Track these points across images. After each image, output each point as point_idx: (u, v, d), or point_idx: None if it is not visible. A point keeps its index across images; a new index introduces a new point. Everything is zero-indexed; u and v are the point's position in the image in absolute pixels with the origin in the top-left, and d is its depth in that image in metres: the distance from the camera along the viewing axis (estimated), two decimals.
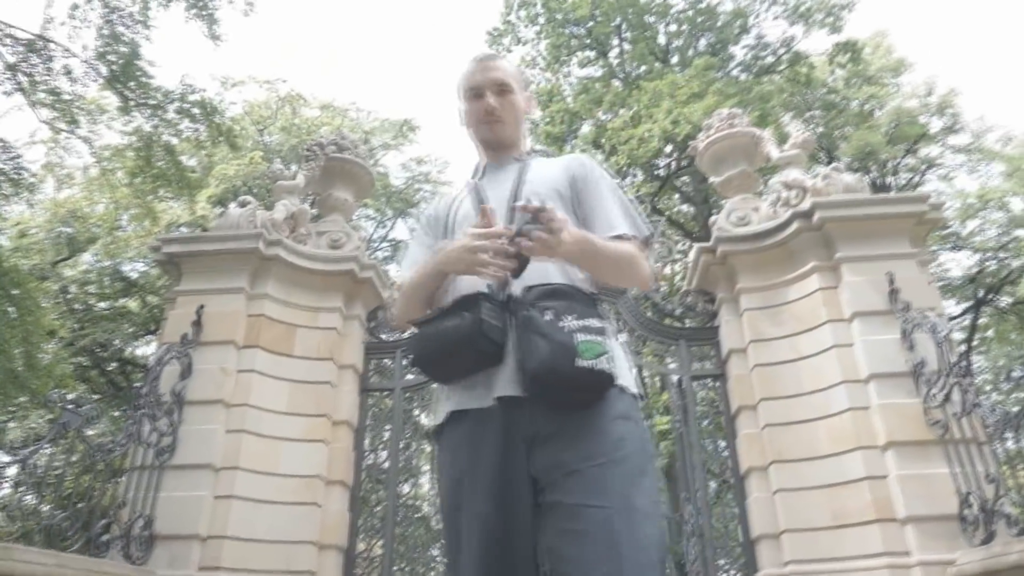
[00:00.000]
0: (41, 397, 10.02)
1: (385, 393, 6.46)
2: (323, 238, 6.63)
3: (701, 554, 5.64)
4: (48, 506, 5.14)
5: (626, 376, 1.62)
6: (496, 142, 1.97)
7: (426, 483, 7.02)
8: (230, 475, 5.32)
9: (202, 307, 5.75)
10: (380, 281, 6.57)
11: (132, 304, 16.66)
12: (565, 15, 17.45)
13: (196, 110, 9.87)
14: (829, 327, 5.52)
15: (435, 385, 1.83)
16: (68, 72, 9.31)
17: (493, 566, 1.48)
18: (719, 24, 17.17)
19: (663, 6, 17.39)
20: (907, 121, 18.01)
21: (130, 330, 16.42)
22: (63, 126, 9.79)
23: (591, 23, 17.48)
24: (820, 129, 17.52)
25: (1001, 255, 17.00)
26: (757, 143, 6.81)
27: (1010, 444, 4.58)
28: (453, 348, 1.58)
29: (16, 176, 9.02)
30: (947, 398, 4.71)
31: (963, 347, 16.39)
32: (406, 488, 6.33)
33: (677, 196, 18.93)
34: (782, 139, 8.48)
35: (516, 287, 1.65)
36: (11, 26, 8.78)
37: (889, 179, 18.46)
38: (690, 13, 17.37)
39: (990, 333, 18.97)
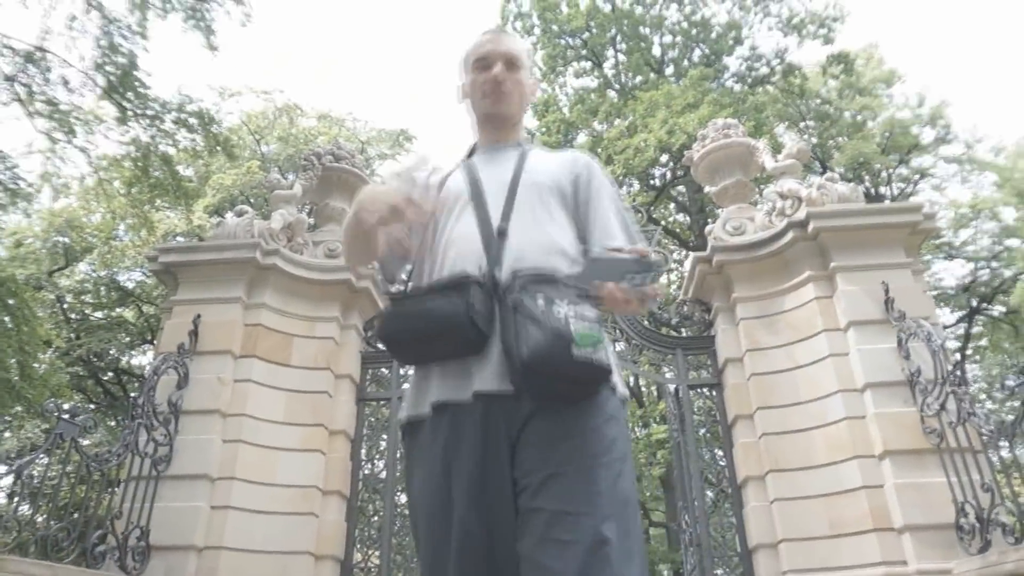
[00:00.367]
0: (37, 407, 9.99)
1: (382, 403, 6.45)
2: (320, 248, 6.64)
3: (699, 564, 5.64)
4: (43, 516, 5.11)
5: (617, 374, 1.52)
6: (498, 117, 1.85)
7: None
8: (226, 485, 5.30)
9: (199, 317, 5.75)
10: (377, 291, 6.58)
11: (128, 314, 16.61)
12: (560, 26, 17.58)
13: (193, 120, 9.88)
14: (825, 336, 5.55)
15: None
16: (66, 82, 9.31)
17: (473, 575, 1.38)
18: (713, 36, 17.32)
19: (657, 18, 17.53)
20: (900, 131, 18.17)
21: (126, 340, 16.38)
22: (60, 136, 9.78)
23: (586, 34, 17.61)
24: (814, 139, 17.66)
25: (994, 264, 17.11)
26: (752, 153, 6.86)
27: (1005, 453, 4.61)
28: (436, 332, 1.45)
29: (13, 186, 9.02)
30: (943, 407, 4.74)
31: (957, 356, 16.46)
32: (403, 498, 6.31)
33: (673, 205, 19.01)
34: (777, 149, 8.54)
35: (501, 271, 1.53)
36: (9, 37, 8.81)
37: (883, 189, 18.59)
38: (684, 25, 17.53)
39: (984, 342, 19.05)
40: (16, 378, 9.35)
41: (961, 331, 17.84)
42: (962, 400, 4.60)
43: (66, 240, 15.52)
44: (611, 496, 1.33)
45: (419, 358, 1.57)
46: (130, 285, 16.37)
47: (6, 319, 8.70)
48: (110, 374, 16.85)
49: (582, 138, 17.37)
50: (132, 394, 6.00)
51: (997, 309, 17.83)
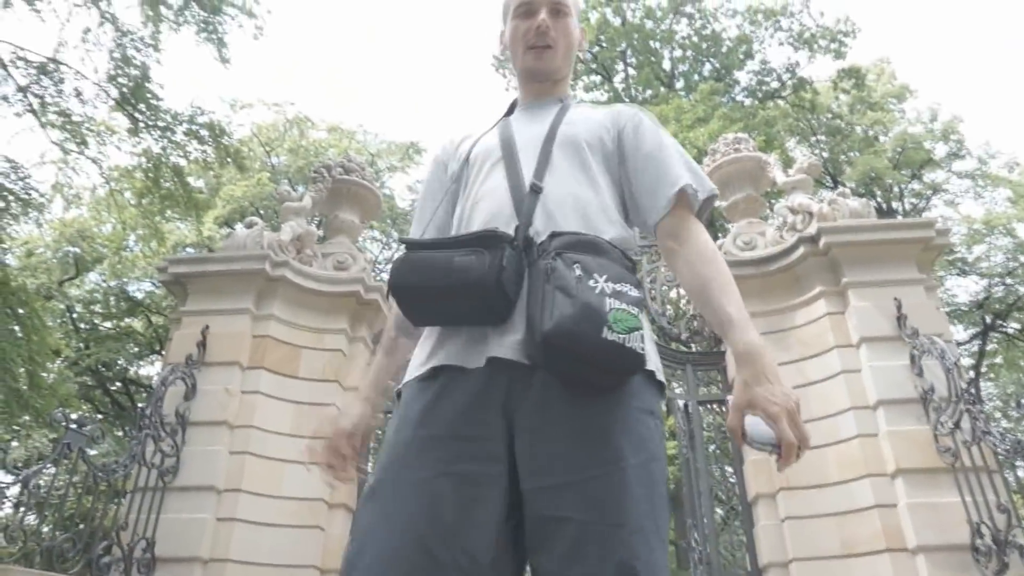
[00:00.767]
0: (45, 416, 10.02)
1: (389, 415, 6.40)
2: (329, 259, 6.64)
3: None
4: (49, 527, 5.10)
5: (655, 360, 1.32)
6: (542, 72, 1.68)
7: None
8: (232, 497, 5.28)
9: (207, 328, 5.75)
10: (386, 303, 6.57)
11: (137, 324, 16.70)
12: None
13: (204, 132, 9.97)
14: (836, 352, 5.49)
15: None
16: (79, 94, 9.42)
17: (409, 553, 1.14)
18: (723, 50, 17.35)
19: (668, 32, 17.59)
20: (912, 146, 18.10)
21: (135, 350, 16.45)
22: (73, 147, 9.88)
23: (597, 48, 17.67)
24: (825, 154, 17.61)
25: (1008, 281, 16.94)
26: (763, 167, 6.83)
27: (1021, 473, 4.53)
28: (458, 289, 1.25)
29: (25, 196, 9.10)
30: (957, 425, 4.66)
31: (971, 373, 16.29)
32: None
33: None
34: (787, 163, 8.51)
35: (534, 232, 1.35)
36: (23, 49, 8.91)
37: (895, 204, 18.50)
38: (694, 39, 17.58)
39: (999, 359, 18.84)
40: (25, 387, 9.39)
41: (975, 348, 17.66)
42: (977, 419, 4.53)
43: (77, 250, 15.64)
44: (644, 501, 1.17)
45: (431, 317, 1.36)
46: (139, 295, 16.47)
47: (16, 328, 8.75)
48: (118, 384, 16.92)
49: None
50: (140, 404, 6.00)
51: (1012, 326, 17.65)
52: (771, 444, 1.17)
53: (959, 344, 16.05)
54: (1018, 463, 4.34)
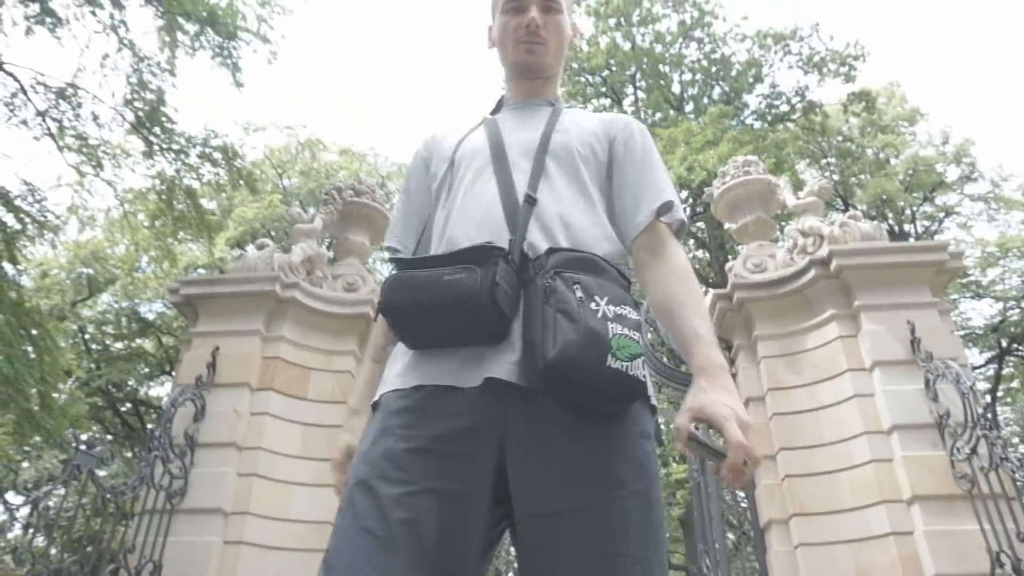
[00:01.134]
0: (56, 437, 10.05)
1: None
2: (339, 281, 6.66)
3: None
4: (57, 549, 5.09)
5: (650, 385, 1.28)
6: (532, 68, 1.61)
7: None
8: (240, 520, 5.25)
9: (217, 349, 5.76)
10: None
11: (148, 345, 16.79)
12: (580, 64, 17.80)
13: (218, 154, 10.09)
14: (849, 376, 5.43)
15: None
16: (96, 118, 9.58)
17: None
18: (733, 73, 17.42)
19: (677, 56, 17.69)
20: (923, 169, 18.05)
21: (145, 371, 16.51)
22: (89, 169, 10.02)
23: (606, 72, 17.81)
24: (836, 176, 17.59)
25: None
26: (773, 190, 6.82)
27: None
28: (448, 309, 1.20)
29: (41, 218, 9.21)
30: (974, 451, 4.58)
31: (988, 398, 16.07)
32: None
33: (692, 242, 18.95)
34: (798, 186, 8.50)
35: (528, 247, 1.30)
36: (42, 75, 9.09)
37: (907, 226, 18.42)
38: (704, 63, 17.67)
39: (1015, 384, 18.59)
40: (36, 408, 9.43)
41: (991, 372, 17.44)
42: (994, 444, 4.45)
43: (90, 271, 15.80)
44: (645, 529, 1.16)
45: (426, 338, 1.28)
46: (151, 316, 16.58)
47: (29, 349, 8.80)
48: (128, 405, 16.96)
49: None
50: (149, 426, 6.01)
51: None
52: (718, 451, 1.13)
53: (975, 368, 15.86)
54: None
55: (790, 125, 17.13)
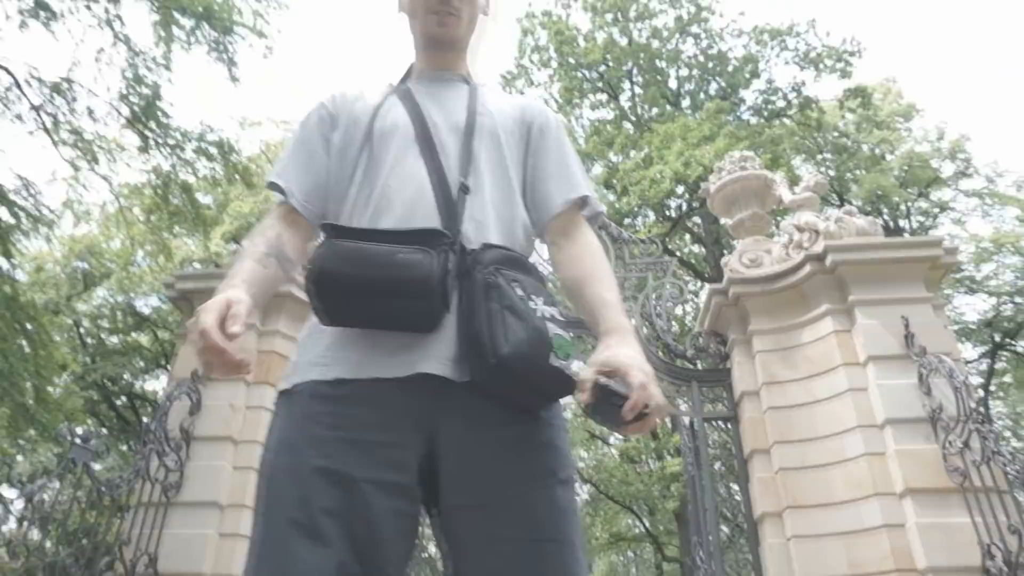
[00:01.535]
0: (51, 431, 10.03)
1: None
2: None
3: None
4: (52, 542, 5.09)
5: None
6: (444, 40, 1.56)
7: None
8: (236, 513, 5.25)
9: None
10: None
11: (143, 339, 16.76)
12: (577, 59, 17.78)
13: (213, 149, 10.06)
14: (844, 370, 5.46)
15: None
16: (91, 112, 9.53)
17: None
18: (730, 69, 17.42)
19: (674, 52, 17.69)
20: (919, 165, 18.09)
21: (141, 365, 16.48)
22: (84, 164, 9.99)
23: (603, 67, 17.78)
24: (831, 172, 17.63)
25: (1017, 300, 16.84)
26: (769, 186, 6.83)
27: None
28: (397, 288, 1.16)
29: (36, 213, 9.17)
30: (966, 445, 4.62)
31: (981, 392, 16.15)
32: None
33: (688, 237, 18.98)
34: (794, 181, 8.52)
35: (467, 239, 1.29)
36: (37, 69, 9.05)
37: (902, 222, 18.47)
38: (701, 58, 17.67)
39: (1008, 378, 18.69)
40: (31, 402, 9.41)
41: (984, 367, 17.52)
42: (986, 438, 4.48)
43: (85, 266, 15.76)
44: (570, 515, 1.21)
45: (355, 316, 1.21)
46: (146, 311, 16.54)
47: (24, 343, 8.78)
48: (123, 399, 16.94)
49: (597, 169, 17.45)
50: (145, 419, 6.00)
51: (1022, 345, 17.52)
52: (623, 394, 1.11)
53: (968, 362, 15.93)
54: None
55: (786, 121, 17.15)
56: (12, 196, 8.66)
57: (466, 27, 1.58)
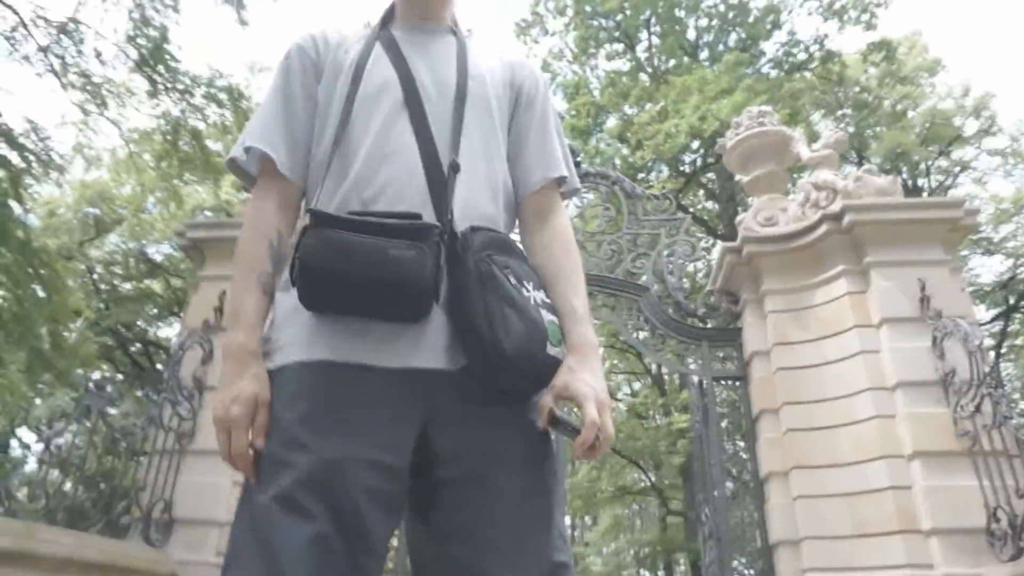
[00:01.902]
0: (67, 376, 10.18)
1: None
2: None
3: (718, 558, 5.59)
4: (71, 483, 5.21)
5: None
6: None
7: None
8: None
9: (224, 293, 5.76)
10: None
11: (156, 286, 16.87)
12: (594, 7, 17.31)
13: (223, 95, 9.93)
14: (856, 332, 5.42)
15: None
16: (98, 55, 9.40)
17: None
18: (750, 20, 16.93)
19: (694, 1, 17.17)
20: (941, 122, 17.68)
21: (154, 312, 16.64)
22: (93, 108, 9.90)
23: (620, 16, 17.32)
24: (851, 128, 17.24)
25: None
26: (787, 142, 6.69)
27: None
28: (388, 287, 1.12)
29: (46, 157, 9.12)
30: (977, 409, 4.60)
31: (992, 355, 16.09)
32: None
33: (702, 192, 18.75)
34: (813, 137, 8.34)
35: (454, 222, 1.25)
36: (43, 8, 8.89)
37: (921, 180, 18.16)
38: (721, 8, 17.15)
39: (1020, 341, 18.60)
40: (47, 347, 9.53)
41: (997, 329, 17.42)
42: (998, 403, 4.46)
43: (97, 212, 15.77)
44: (556, 492, 1.26)
45: (337, 308, 1.18)
46: (159, 258, 16.61)
47: (38, 289, 8.84)
48: (138, 345, 17.15)
49: (612, 122, 17.16)
50: (159, 366, 6.07)
51: None
52: (575, 428, 1.18)
53: (981, 324, 15.82)
54: None
55: (807, 74, 16.70)
56: (21, 139, 8.61)
57: None
